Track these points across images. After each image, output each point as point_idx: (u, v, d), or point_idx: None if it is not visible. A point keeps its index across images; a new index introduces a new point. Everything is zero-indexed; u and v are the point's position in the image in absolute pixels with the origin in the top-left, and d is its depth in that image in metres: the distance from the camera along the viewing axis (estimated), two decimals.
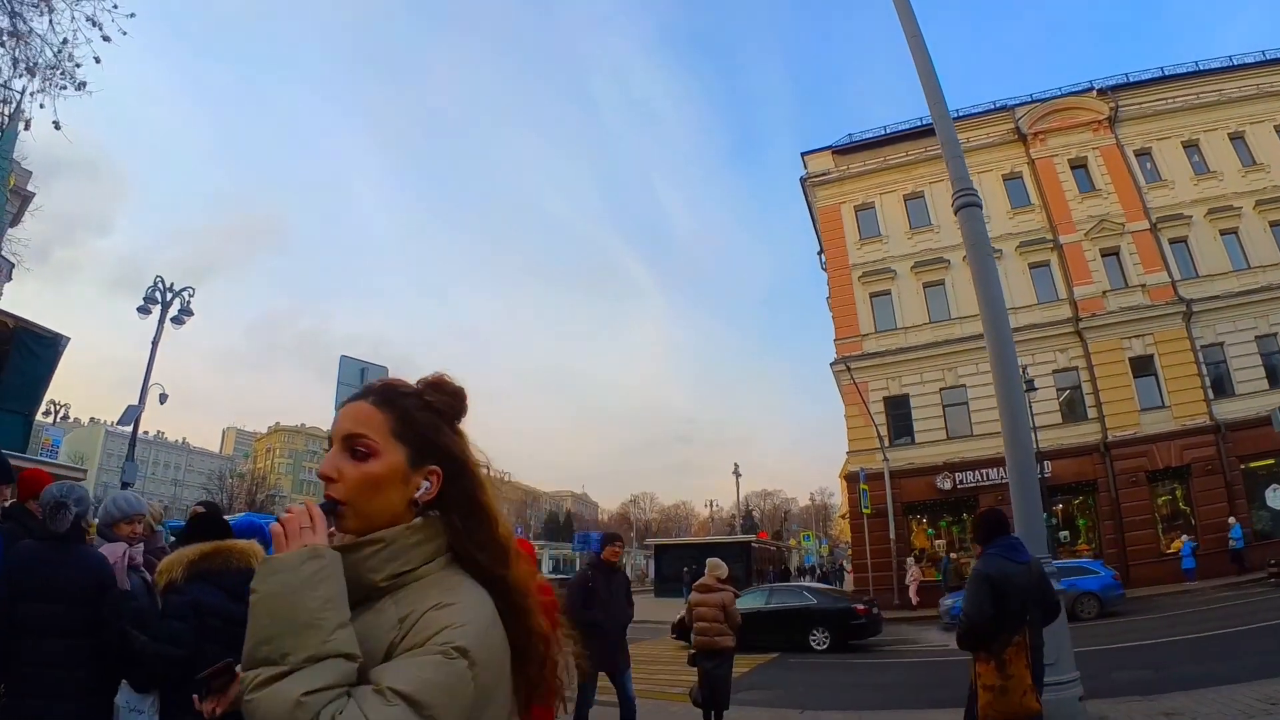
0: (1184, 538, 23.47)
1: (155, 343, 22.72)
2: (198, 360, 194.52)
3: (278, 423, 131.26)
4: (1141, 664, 11.04)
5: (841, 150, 31.52)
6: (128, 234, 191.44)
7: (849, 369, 26.34)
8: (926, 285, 28.79)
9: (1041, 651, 4.62)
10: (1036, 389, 24.06)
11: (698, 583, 8.22)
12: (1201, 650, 11.81)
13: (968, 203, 7.27)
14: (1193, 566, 22.53)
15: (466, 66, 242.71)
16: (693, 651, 8.04)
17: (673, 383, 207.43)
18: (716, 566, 8.42)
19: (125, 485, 23.78)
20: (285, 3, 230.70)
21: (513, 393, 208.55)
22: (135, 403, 22.67)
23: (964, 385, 27.18)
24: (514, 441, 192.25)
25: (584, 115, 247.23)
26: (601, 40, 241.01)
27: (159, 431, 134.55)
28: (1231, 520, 23.03)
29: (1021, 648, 4.41)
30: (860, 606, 16.85)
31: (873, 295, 29.21)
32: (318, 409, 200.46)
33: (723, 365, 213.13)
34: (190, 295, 22.98)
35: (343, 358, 12.81)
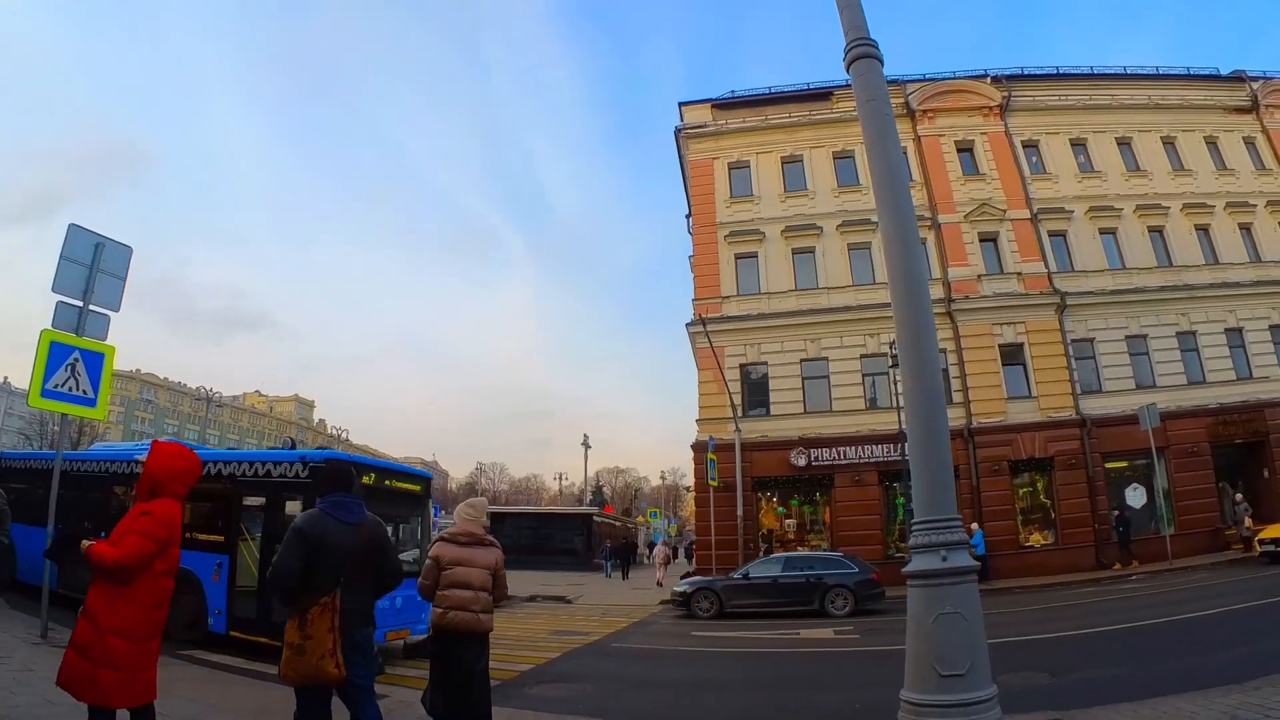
0: (974, 525, 22.01)
1: None
2: (38, 297, 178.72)
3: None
4: (1031, 665, 8.71)
5: (722, 105, 29.55)
6: None
7: (706, 331, 23.87)
8: (796, 251, 26.93)
9: (356, 617, 4.65)
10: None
11: (450, 532, 5.78)
12: (1095, 650, 9.86)
13: (864, 54, 5.31)
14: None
15: (351, 16, 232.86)
16: (430, 636, 5.82)
17: (538, 356, 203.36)
18: (477, 507, 6.00)
19: None
20: None
21: (372, 355, 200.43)
22: None
23: (826, 358, 25.40)
24: (366, 403, 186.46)
25: (471, 75, 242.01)
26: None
27: None
28: (974, 527, 21.90)
29: (328, 609, 4.43)
30: None
31: (738, 256, 27.08)
32: (160, 356, 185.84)
33: (588, 343, 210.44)
34: None
35: (71, 226, 9.87)
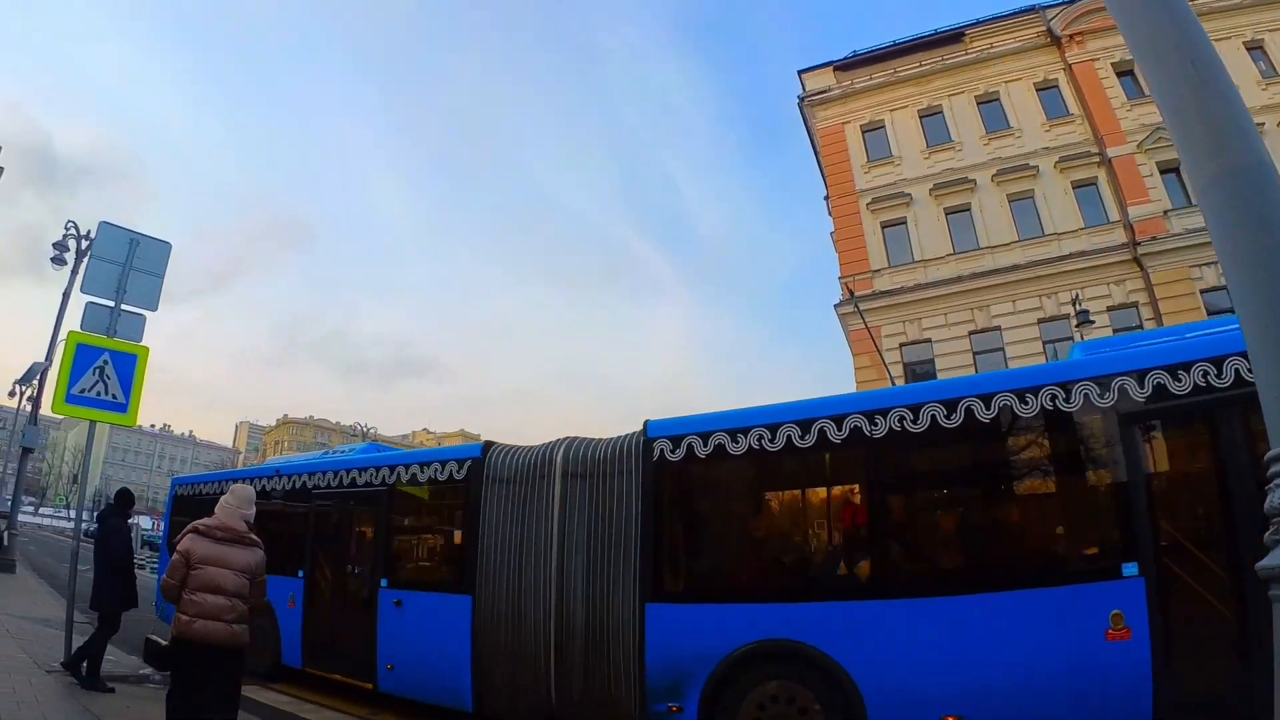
0: None
1: (66, 294, 20.70)
2: (221, 358, 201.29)
3: (285, 415, 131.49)
4: None
5: (844, 66, 27.17)
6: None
7: (859, 309, 21.58)
8: (949, 211, 24.24)
9: None
10: (1093, 322, 19.67)
11: (205, 524, 5.14)
12: None
13: None
14: None
15: (484, 65, 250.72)
16: (165, 644, 5.10)
17: (693, 375, 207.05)
18: (241, 498, 5.35)
19: (26, 451, 21.75)
20: (307, 13, 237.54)
21: (534, 387, 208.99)
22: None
23: (998, 327, 22.62)
24: (531, 434, 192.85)
25: (601, 108, 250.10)
26: (615, 31, 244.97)
27: (165, 424, 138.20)
28: None
29: None
30: None
31: (884, 225, 24.70)
32: (331, 402, 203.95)
33: (744, 357, 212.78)
34: None
35: (103, 224, 9.64)
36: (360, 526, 9.80)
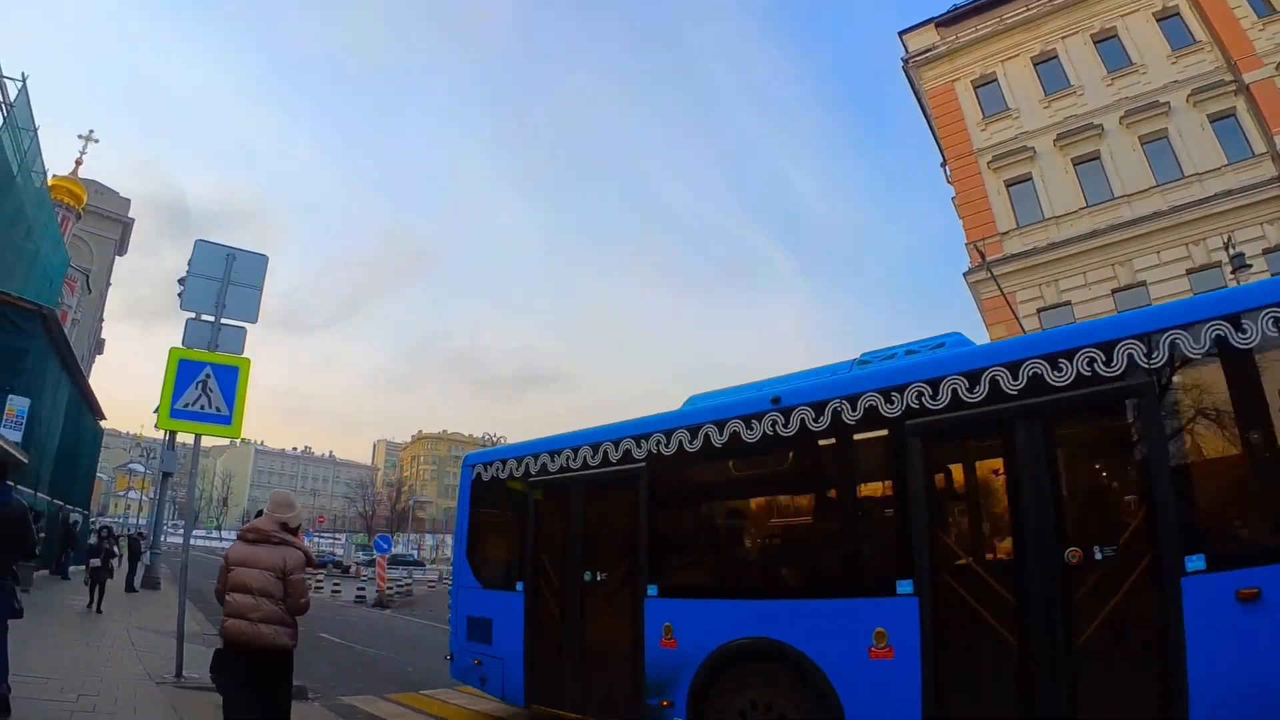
0: None
1: None
2: (357, 381, 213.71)
3: (420, 431, 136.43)
4: None
5: (946, 21, 25.85)
6: (284, 273, 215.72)
7: (991, 273, 20.56)
8: (1076, 161, 22.88)
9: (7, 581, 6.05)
10: (1250, 266, 18.38)
11: (246, 527, 5.30)
12: None
13: None
14: None
15: (585, 81, 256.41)
16: (218, 648, 5.12)
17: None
18: (276, 501, 5.38)
19: (166, 475, 22.78)
20: (421, 55, 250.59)
21: (661, 391, 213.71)
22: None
23: (1144, 283, 21.22)
24: None
25: (703, 107, 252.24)
26: (708, 29, 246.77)
27: (306, 446, 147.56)
28: None
29: None
30: None
31: (1008, 183, 23.54)
32: (461, 416, 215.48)
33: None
34: None
35: (198, 242, 10.06)
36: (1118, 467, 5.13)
